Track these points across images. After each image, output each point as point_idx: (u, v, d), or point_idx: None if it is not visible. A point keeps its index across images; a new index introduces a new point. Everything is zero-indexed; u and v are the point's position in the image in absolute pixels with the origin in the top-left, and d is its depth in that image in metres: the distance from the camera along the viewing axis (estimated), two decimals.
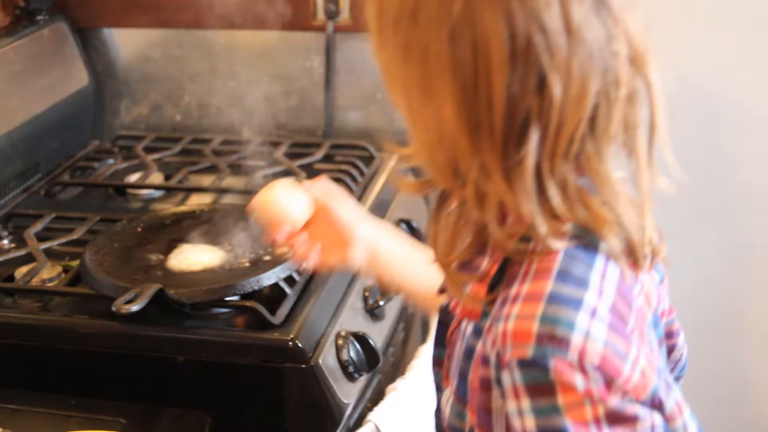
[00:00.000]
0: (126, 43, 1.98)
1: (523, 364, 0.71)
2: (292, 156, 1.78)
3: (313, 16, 1.86)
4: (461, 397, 0.81)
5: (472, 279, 0.80)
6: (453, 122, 0.73)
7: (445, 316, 0.89)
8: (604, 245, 0.77)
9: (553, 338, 0.70)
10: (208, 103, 1.96)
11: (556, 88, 0.71)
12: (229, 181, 1.70)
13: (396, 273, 1.14)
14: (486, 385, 0.76)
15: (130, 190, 1.71)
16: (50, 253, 1.43)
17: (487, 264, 0.80)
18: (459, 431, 0.83)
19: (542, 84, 0.71)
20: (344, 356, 1.28)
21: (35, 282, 1.36)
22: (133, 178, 1.74)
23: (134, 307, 1.18)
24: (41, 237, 1.49)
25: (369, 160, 1.78)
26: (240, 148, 1.80)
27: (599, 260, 0.76)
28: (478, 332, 0.79)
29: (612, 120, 0.74)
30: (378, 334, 1.41)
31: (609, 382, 0.71)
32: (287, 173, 1.72)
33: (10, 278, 1.39)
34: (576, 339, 0.70)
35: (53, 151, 1.79)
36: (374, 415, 1.30)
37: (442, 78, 0.72)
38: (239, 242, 1.39)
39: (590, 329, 0.71)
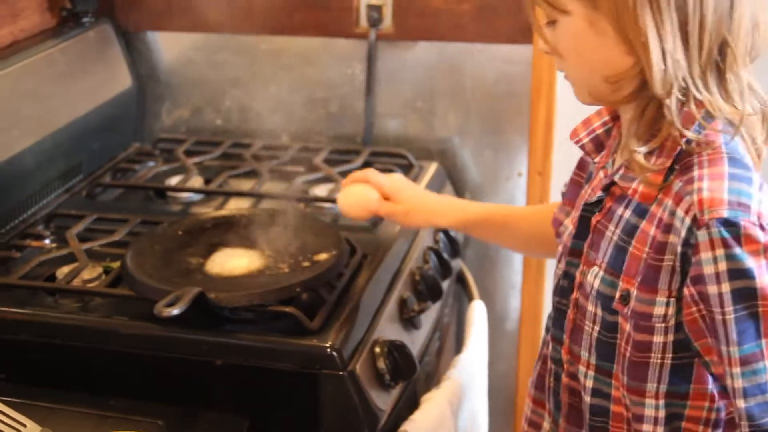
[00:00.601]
0: (169, 46, 1.99)
1: (720, 222, 0.93)
2: (331, 162, 1.78)
3: (355, 24, 1.86)
4: (614, 269, 1.03)
5: (654, 168, 1.01)
6: (672, 44, 0.96)
7: (589, 210, 1.09)
8: (742, 139, 1.01)
9: (740, 204, 0.94)
10: (248, 108, 1.97)
11: (742, 8, 0.97)
12: (269, 186, 1.71)
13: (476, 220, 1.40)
14: (660, 249, 0.99)
15: (170, 193, 1.72)
16: (91, 254, 1.45)
17: (663, 160, 1.01)
18: (609, 297, 1.04)
19: (732, 7, 0.96)
20: (381, 364, 1.28)
21: (76, 282, 1.37)
22: (174, 181, 1.75)
23: (175, 311, 1.18)
24: (82, 237, 1.50)
25: (408, 168, 1.78)
26: (280, 153, 1.81)
27: (745, 150, 1.01)
28: (642, 213, 1.02)
29: (754, 38, 0.99)
30: (413, 343, 1.41)
31: None
32: (326, 180, 1.72)
33: (52, 278, 1.40)
34: (754, 205, 0.95)
35: (95, 152, 1.81)
36: (409, 424, 1.30)
37: (668, 12, 0.95)
38: (278, 247, 1.40)
39: (761, 198, 0.96)
